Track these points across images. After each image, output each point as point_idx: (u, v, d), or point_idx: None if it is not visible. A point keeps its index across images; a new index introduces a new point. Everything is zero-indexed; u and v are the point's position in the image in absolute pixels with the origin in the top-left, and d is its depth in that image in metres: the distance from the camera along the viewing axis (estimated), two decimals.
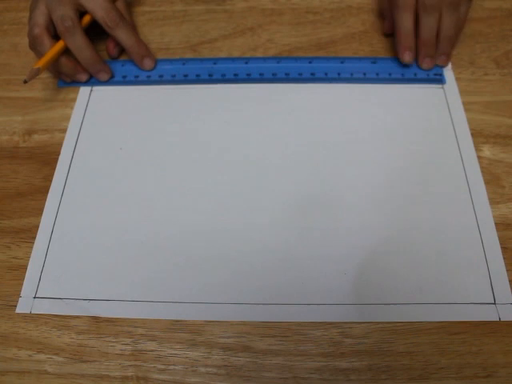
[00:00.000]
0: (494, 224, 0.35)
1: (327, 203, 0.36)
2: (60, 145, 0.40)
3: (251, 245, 0.34)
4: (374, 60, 0.44)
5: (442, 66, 0.43)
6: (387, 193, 0.36)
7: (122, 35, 0.42)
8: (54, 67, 0.42)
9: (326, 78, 0.42)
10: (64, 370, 0.30)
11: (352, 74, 0.42)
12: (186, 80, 0.43)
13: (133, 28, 0.44)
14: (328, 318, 0.32)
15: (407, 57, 0.42)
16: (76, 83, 0.43)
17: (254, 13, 0.48)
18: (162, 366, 0.30)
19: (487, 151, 0.38)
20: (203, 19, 0.48)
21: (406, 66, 0.43)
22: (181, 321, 0.32)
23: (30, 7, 0.42)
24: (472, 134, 0.39)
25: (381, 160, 0.38)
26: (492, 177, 0.37)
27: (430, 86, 0.42)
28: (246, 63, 0.44)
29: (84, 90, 0.43)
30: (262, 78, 0.43)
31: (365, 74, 0.43)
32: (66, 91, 0.43)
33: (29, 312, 0.32)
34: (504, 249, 0.34)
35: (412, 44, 0.41)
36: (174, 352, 0.31)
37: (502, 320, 0.31)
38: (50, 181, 0.38)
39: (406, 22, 0.41)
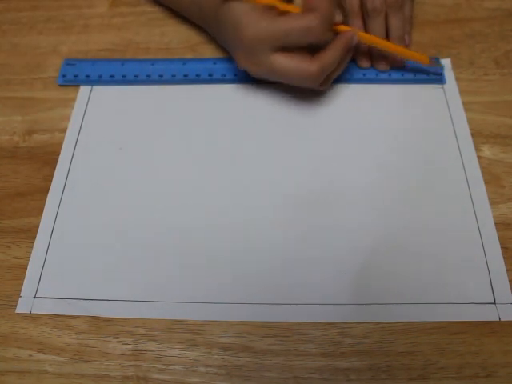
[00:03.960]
0: (493, 224, 0.35)
1: (327, 203, 0.36)
2: (60, 145, 0.40)
3: (251, 245, 0.34)
4: None
5: (400, 67, 0.42)
6: (387, 193, 0.36)
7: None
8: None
9: None
10: (64, 370, 0.30)
11: (352, 74, 0.42)
12: (186, 80, 0.43)
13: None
14: (328, 317, 0.32)
15: (364, 63, 0.42)
16: (79, 82, 0.43)
17: None
18: (162, 366, 0.30)
19: (487, 151, 0.38)
20: None
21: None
22: (181, 321, 0.32)
23: None
24: (472, 134, 0.39)
25: (381, 160, 0.38)
26: (492, 177, 0.37)
27: (430, 86, 0.42)
28: None
29: (84, 90, 0.43)
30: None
31: (365, 74, 0.43)
32: (66, 91, 0.43)
33: (29, 312, 0.32)
34: (504, 249, 0.34)
35: (366, 49, 0.42)
36: (174, 352, 0.31)
37: (502, 320, 0.31)
38: (50, 181, 0.38)
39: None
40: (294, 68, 0.36)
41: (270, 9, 0.36)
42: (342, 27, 0.38)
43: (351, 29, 0.38)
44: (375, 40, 0.39)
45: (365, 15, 0.41)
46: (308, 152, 0.39)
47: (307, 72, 0.36)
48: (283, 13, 0.36)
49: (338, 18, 0.37)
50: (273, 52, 0.36)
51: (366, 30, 0.41)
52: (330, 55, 0.36)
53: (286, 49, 0.36)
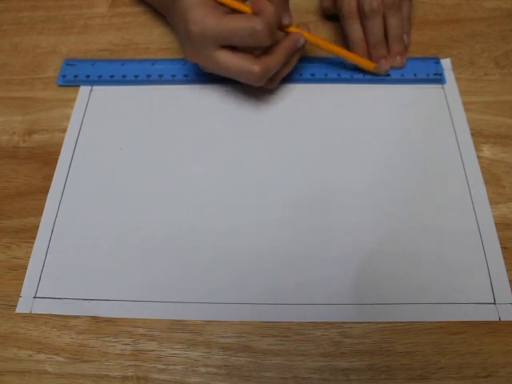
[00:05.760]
0: (494, 224, 0.35)
1: (327, 203, 0.36)
2: (60, 145, 0.40)
3: (251, 245, 0.34)
4: None
5: (401, 67, 0.42)
6: (387, 193, 0.36)
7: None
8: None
9: (326, 79, 0.42)
10: (64, 370, 0.30)
11: (352, 75, 0.42)
12: (186, 80, 0.43)
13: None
14: (328, 317, 0.32)
15: None
16: (78, 82, 0.43)
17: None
18: (162, 366, 0.30)
19: (487, 151, 0.38)
20: None
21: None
22: (181, 321, 0.32)
23: None
24: (472, 134, 0.39)
25: (381, 160, 0.38)
26: (492, 177, 0.37)
27: (430, 86, 0.42)
28: None
29: (84, 90, 0.43)
30: None
31: (365, 74, 0.43)
32: (65, 91, 0.43)
33: (29, 312, 0.32)
34: (504, 249, 0.34)
35: (365, 50, 0.42)
36: (174, 352, 0.31)
37: (502, 320, 0.31)
38: (50, 181, 0.38)
39: (353, 30, 0.42)
40: (237, 66, 0.36)
41: (220, 4, 0.36)
42: (292, 29, 0.38)
43: (298, 31, 0.38)
44: (322, 43, 0.40)
45: (362, 16, 0.41)
46: (309, 152, 0.39)
47: (250, 72, 0.36)
48: (233, 10, 0.36)
49: (287, 20, 0.37)
50: (218, 49, 0.36)
51: (364, 32, 0.41)
52: (274, 57, 0.36)
53: (232, 46, 0.36)
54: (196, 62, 0.38)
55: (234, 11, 0.37)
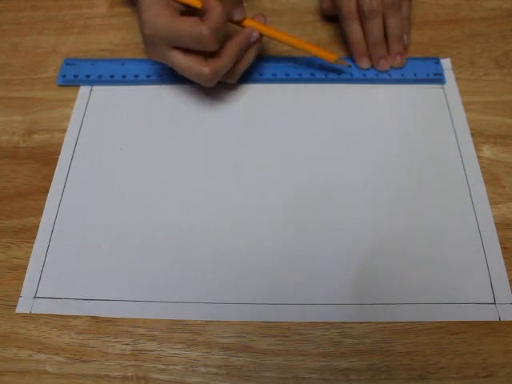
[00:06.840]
0: (494, 224, 0.35)
1: (327, 203, 0.36)
2: (60, 145, 0.40)
3: (251, 245, 0.34)
4: None
5: (400, 67, 0.42)
6: (387, 193, 0.36)
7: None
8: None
9: (326, 79, 0.42)
10: (64, 370, 0.30)
11: (352, 75, 0.42)
12: (186, 80, 0.43)
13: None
14: (328, 317, 0.32)
15: (364, 64, 0.42)
16: (78, 82, 0.43)
17: (254, 13, 0.48)
18: (162, 366, 0.30)
19: (487, 151, 0.38)
20: None
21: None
22: (181, 321, 0.32)
23: None
24: (472, 134, 0.39)
25: (381, 160, 0.38)
26: (492, 177, 0.37)
27: (430, 86, 0.42)
28: None
29: (84, 90, 0.43)
30: (260, 79, 0.43)
31: (365, 74, 0.43)
32: (65, 91, 0.43)
33: (29, 312, 0.32)
34: (504, 249, 0.34)
35: (365, 50, 0.42)
36: (173, 352, 0.31)
37: (502, 320, 0.31)
38: (50, 181, 0.38)
39: (353, 30, 0.42)
40: (188, 67, 0.36)
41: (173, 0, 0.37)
42: (246, 22, 0.38)
43: (252, 25, 0.38)
44: (277, 35, 0.39)
45: (362, 17, 0.41)
46: (309, 152, 0.39)
47: (200, 73, 0.36)
48: (186, 6, 0.37)
49: (239, 16, 0.37)
50: (171, 49, 0.36)
51: (364, 32, 0.41)
52: (225, 58, 0.37)
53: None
54: (156, 60, 0.39)
55: (188, 6, 0.37)
